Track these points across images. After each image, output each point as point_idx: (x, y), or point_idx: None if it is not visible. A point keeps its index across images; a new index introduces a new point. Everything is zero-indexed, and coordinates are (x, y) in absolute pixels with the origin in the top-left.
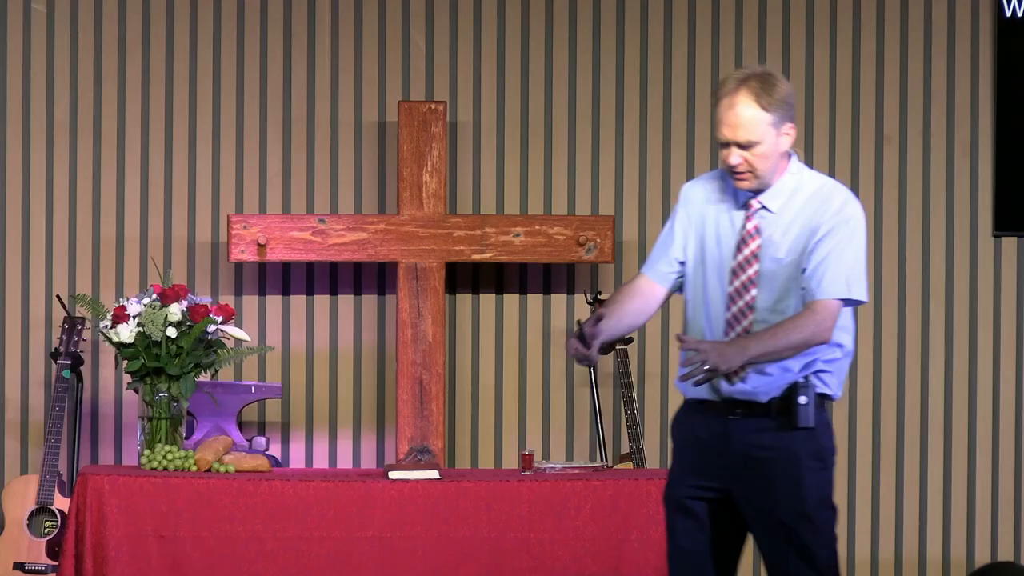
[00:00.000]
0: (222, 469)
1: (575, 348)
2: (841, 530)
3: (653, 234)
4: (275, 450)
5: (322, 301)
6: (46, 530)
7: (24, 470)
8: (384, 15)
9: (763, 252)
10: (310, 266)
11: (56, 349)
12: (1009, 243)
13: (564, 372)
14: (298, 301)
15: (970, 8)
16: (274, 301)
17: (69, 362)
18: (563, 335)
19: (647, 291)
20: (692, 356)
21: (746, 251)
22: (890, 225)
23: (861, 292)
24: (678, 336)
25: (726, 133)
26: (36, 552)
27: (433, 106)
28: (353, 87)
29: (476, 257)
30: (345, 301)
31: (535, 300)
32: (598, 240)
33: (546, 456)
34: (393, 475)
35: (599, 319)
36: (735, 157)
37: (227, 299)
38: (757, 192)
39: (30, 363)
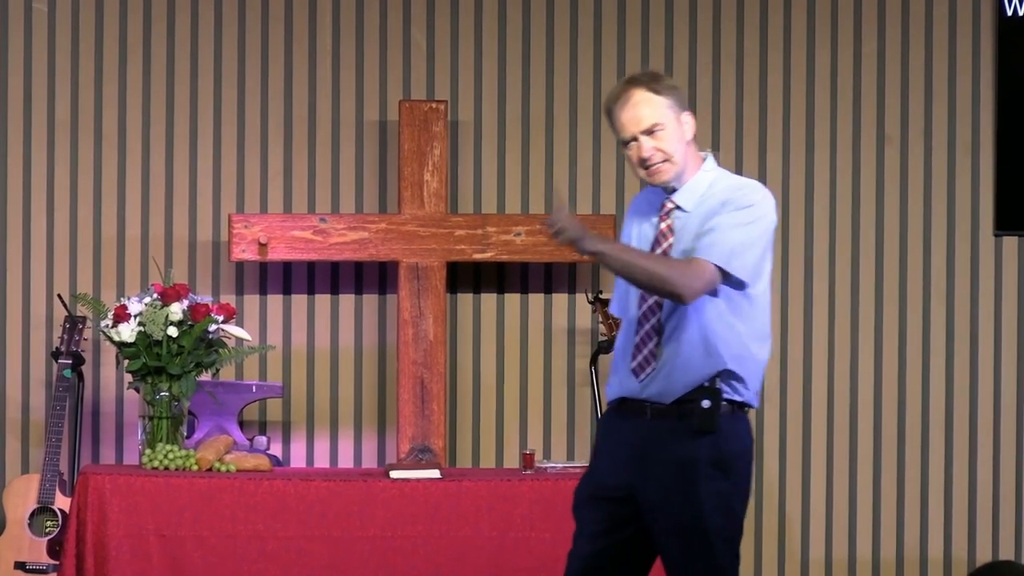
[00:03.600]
0: (223, 468)
1: None
2: (842, 529)
3: None
4: (276, 449)
5: (323, 300)
6: (47, 529)
7: (25, 469)
8: (385, 14)
9: (674, 251)
10: (311, 265)
11: (57, 348)
12: (1010, 242)
13: (565, 371)
14: (299, 300)
15: (971, 7)
16: (275, 300)
17: (70, 361)
18: (564, 334)
19: None
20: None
21: (659, 250)
22: (891, 224)
23: (742, 270)
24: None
25: (630, 128)
26: (37, 551)
27: (434, 105)
28: (354, 86)
29: (477, 256)
30: (346, 300)
31: (536, 299)
32: None
33: (547, 455)
34: (394, 474)
35: None
36: (646, 149)
37: (228, 298)
38: (672, 193)
39: (31, 362)
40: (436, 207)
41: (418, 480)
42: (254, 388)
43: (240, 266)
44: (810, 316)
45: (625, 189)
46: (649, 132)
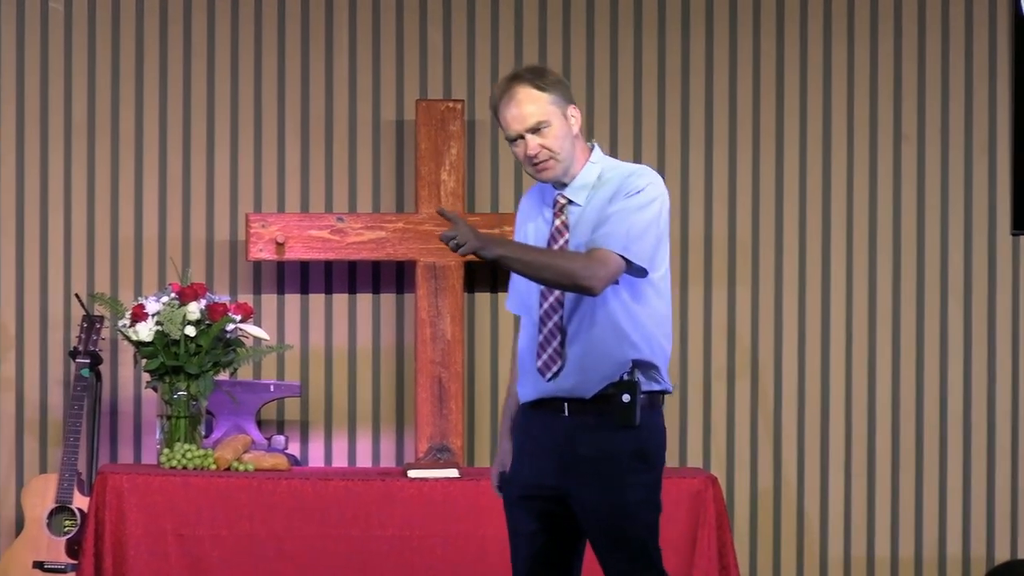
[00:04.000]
0: (241, 468)
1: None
2: (860, 528)
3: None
4: (294, 449)
5: (341, 300)
6: (65, 529)
7: (43, 469)
8: (402, 13)
9: (571, 246)
10: (328, 265)
11: (75, 348)
12: None
13: None
14: (317, 300)
15: (987, 7)
16: (293, 300)
17: (88, 361)
18: None
19: None
20: (447, 232)
21: (555, 247)
22: (908, 224)
23: (641, 256)
24: (438, 209)
25: (515, 126)
26: (55, 551)
27: (451, 104)
28: (371, 85)
29: None
30: (364, 300)
31: None
32: None
33: None
34: (412, 474)
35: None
36: (532, 147)
37: (246, 298)
38: (562, 188)
39: (49, 362)
40: (453, 206)
41: (436, 479)
42: (272, 387)
43: (257, 265)
44: (827, 315)
45: None
46: (535, 130)
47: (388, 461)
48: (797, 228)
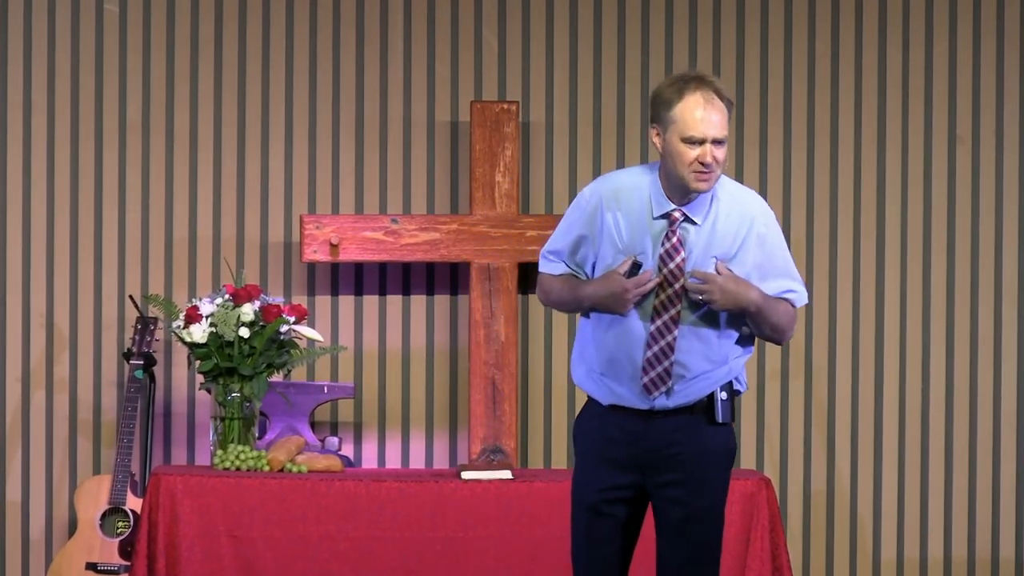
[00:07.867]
0: (295, 469)
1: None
2: (913, 530)
3: None
4: (348, 450)
5: (395, 301)
6: (119, 530)
7: (97, 470)
8: (457, 15)
9: (688, 264)
10: (383, 266)
11: (129, 349)
12: None
13: None
14: (371, 301)
15: None
16: (347, 301)
17: (142, 362)
18: None
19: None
20: (699, 286)
21: (671, 264)
22: (962, 226)
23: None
24: (692, 272)
25: (707, 130)
26: (108, 552)
27: (506, 106)
28: (426, 87)
29: None
30: (418, 301)
31: None
32: None
33: None
34: (466, 475)
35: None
36: (710, 156)
37: (300, 299)
38: (682, 203)
39: (103, 363)
40: (507, 208)
41: (490, 481)
42: (325, 389)
43: (311, 267)
44: (881, 316)
45: None
46: (718, 141)
47: (441, 463)
48: (851, 229)
